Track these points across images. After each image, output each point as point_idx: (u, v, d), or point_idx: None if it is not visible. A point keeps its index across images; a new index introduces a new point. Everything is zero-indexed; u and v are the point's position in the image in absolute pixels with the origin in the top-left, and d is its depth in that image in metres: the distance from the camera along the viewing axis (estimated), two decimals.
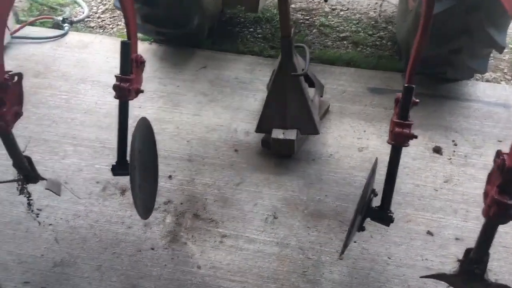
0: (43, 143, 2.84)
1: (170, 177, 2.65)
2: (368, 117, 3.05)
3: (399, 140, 1.85)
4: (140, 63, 2.07)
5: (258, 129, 2.75)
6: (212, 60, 3.53)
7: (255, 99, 3.19)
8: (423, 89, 3.26)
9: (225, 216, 2.45)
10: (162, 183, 2.58)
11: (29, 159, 1.93)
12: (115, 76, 2.02)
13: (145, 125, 2.16)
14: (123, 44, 1.98)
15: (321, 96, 3.02)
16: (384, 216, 1.97)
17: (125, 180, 2.27)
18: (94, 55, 3.58)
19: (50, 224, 2.39)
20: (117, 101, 2.06)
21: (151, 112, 3.04)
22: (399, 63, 3.49)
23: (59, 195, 1.95)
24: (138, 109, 2.92)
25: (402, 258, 2.26)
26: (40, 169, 2.69)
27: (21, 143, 1.91)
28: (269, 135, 2.71)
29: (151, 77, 3.37)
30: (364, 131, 2.95)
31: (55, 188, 1.95)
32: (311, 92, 2.85)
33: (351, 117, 3.05)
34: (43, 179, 2.04)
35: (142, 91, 2.10)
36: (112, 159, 2.75)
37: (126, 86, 1.98)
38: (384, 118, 3.04)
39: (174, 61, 3.51)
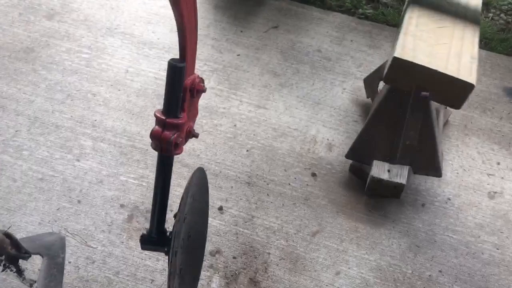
0: (53, 130, 2.13)
1: (220, 209, 1.95)
2: (504, 140, 2.19)
3: None
4: (197, 92, 1.26)
5: (351, 156, 1.96)
6: (287, 16, 2.61)
7: (343, 89, 2.34)
8: None
9: None
10: (210, 218, 1.89)
11: (10, 238, 1.25)
12: (155, 115, 1.23)
13: (200, 182, 1.41)
14: (173, 67, 1.16)
15: (446, 107, 2.15)
16: None
17: None
18: None
19: None
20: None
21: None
22: None
23: None
24: None
25: None
26: (47, 173, 2.04)
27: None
28: (365, 164, 1.94)
29: (203, 36, 2.51)
30: (498, 164, 2.11)
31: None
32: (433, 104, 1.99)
33: (479, 137, 2.20)
34: (37, 253, 1.37)
35: (196, 136, 1.32)
36: (144, 168, 2.06)
37: (173, 138, 1.20)
38: None
39: (235, 13, 2.61)
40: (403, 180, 1.84)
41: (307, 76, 2.37)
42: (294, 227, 1.91)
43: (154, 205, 1.37)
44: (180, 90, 1.19)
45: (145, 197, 1.95)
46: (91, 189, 1.97)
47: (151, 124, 1.31)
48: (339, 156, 2.09)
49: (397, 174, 1.85)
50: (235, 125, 2.19)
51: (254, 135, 2.16)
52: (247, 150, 2.11)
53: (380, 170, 1.86)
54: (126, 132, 2.14)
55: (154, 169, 1.29)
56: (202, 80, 1.27)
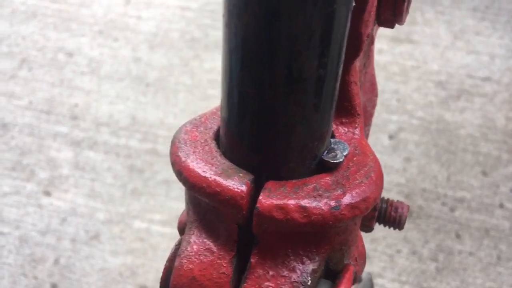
0: None
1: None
2: None
3: None
4: None
5: None
6: None
7: None
8: None
9: None
10: None
11: None
12: None
13: None
14: None
15: None
16: None
17: None
18: None
19: None
20: None
21: None
22: None
23: None
24: None
25: None
26: None
27: None
28: None
29: None
30: None
31: None
32: None
33: None
34: None
35: None
36: (179, 198, 1.05)
37: None
38: None
39: None
40: None
41: None
42: None
43: None
44: None
45: None
46: (76, 254, 0.98)
47: (184, 102, 0.46)
48: None
49: None
50: None
51: (398, 100, 1.08)
52: (390, 137, 1.04)
53: None
54: (138, 124, 1.11)
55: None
56: None
